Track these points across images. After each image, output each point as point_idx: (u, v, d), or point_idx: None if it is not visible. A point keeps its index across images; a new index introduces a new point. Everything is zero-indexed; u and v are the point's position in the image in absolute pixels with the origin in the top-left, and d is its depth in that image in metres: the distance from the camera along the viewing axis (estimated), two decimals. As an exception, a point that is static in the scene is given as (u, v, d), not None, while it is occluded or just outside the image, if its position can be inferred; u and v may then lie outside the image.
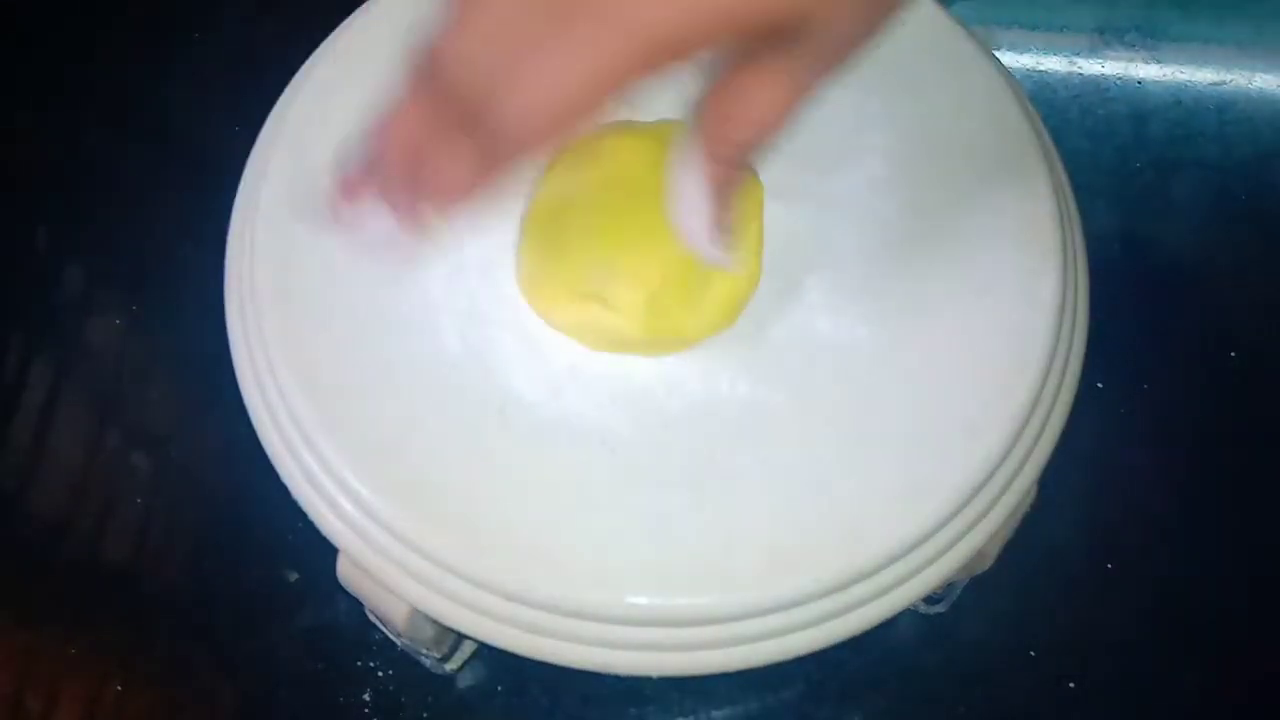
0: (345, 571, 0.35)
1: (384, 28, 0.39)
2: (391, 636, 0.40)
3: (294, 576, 0.44)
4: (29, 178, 0.53)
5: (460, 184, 0.27)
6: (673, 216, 0.28)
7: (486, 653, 0.42)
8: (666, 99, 0.37)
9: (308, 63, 0.40)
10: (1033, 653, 0.43)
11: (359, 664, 0.42)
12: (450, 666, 0.41)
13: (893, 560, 0.32)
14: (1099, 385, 0.45)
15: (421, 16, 0.39)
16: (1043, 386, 0.34)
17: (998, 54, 0.40)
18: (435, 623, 0.35)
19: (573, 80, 0.25)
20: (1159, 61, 0.56)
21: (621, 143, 0.35)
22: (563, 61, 0.25)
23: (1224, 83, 0.56)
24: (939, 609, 0.43)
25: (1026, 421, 0.33)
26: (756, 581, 0.31)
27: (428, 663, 0.41)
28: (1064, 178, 0.38)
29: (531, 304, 0.35)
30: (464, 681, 0.42)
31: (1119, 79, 0.56)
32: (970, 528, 0.33)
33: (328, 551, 0.34)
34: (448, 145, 0.27)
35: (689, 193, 0.27)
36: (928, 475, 0.32)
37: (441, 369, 0.34)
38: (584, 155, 0.35)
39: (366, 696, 0.42)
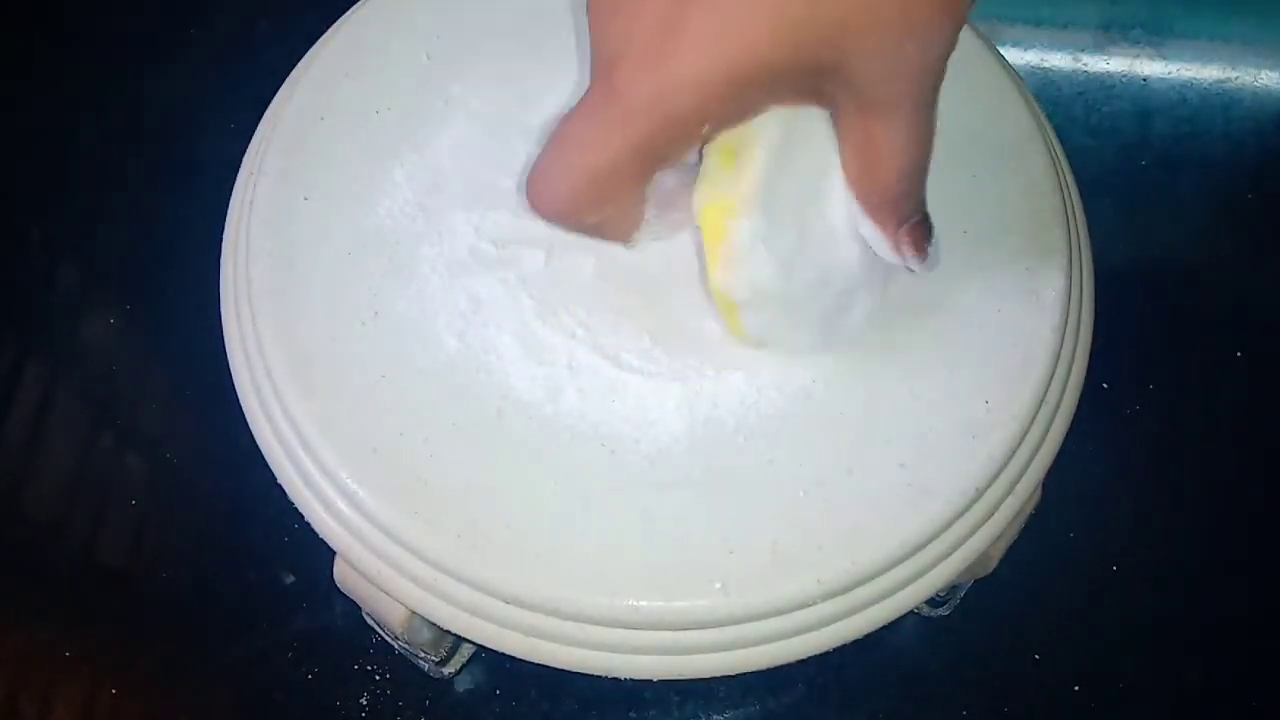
0: (342, 574, 0.35)
1: (379, 26, 0.39)
2: (389, 639, 0.40)
3: (290, 579, 0.44)
4: (23, 176, 0.53)
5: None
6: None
7: (485, 656, 0.42)
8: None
9: (303, 61, 0.39)
10: (1037, 656, 0.43)
11: (356, 667, 0.42)
12: (448, 670, 0.41)
13: (896, 563, 0.32)
14: (1104, 385, 0.45)
15: (415, 16, 0.39)
16: (1047, 387, 0.34)
17: (1002, 50, 0.40)
18: (433, 625, 0.34)
19: (600, 156, 0.26)
20: (1164, 58, 0.56)
21: None
22: (584, 140, 0.26)
23: (1229, 80, 0.55)
24: (943, 612, 0.43)
25: (1031, 422, 0.33)
26: (758, 584, 0.31)
27: (425, 666, 0.41)
28: (1068, 175, 0.38)
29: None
30: (462, 684, 0.42)
31: (1124, 76, 0.55)
32: (974, 530, 0.33)
33: (324, 554, 0.34)
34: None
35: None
36: (931, 477, 0.32)
37: (439, 369, 0.33)
38: None
39: (364, 700, 0.42)
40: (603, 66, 0.26)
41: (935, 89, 0.26)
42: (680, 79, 0.25)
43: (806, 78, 0.26)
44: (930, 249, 0.29)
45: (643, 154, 0.26)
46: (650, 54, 0.25)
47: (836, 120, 0.28)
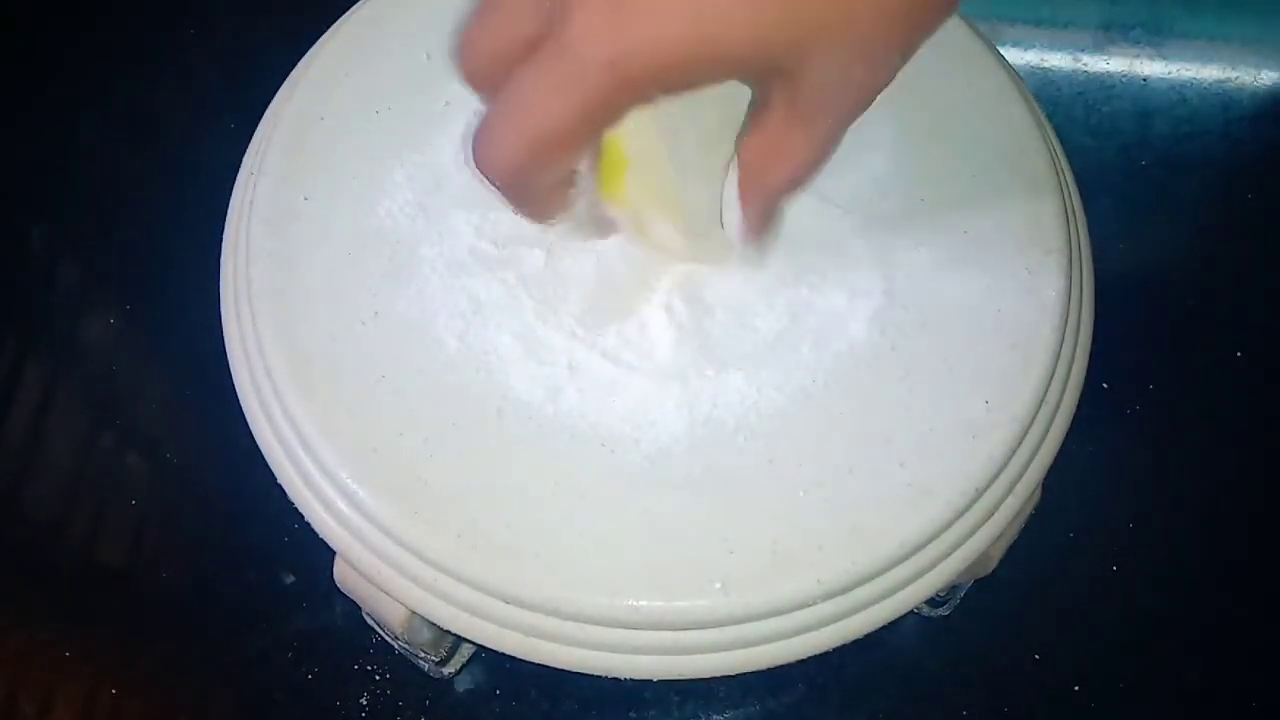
0: (342, 574, 0.35)
1: (379, 26, 0.39)
2: (389, 639, 0.40)
3: (290, 579, 0.44)
4: (24, 176, 0.52)
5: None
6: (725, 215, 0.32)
7: (485, 656, 0.41)
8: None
9: (303, 60, 0.39)
10: (1037, 656, 0.43)
11: (356, 667, 0.42)
12: (448, 670, 0.41)
13: (896, 563, 0.32)
14: (1104, 385, 0.45)
15: (415, 16, 0.39)
16: (1047, 387, 0.34)
17: (1002, 50, 0.40)
18: (433, 625, 0.34)
19: (549, 116, 0.26)
20: (1164, 58, 0.56)
21: None
22: (539, 96, 0.26)
23: (1229, 80, 0.55)
24: (943, 612, 0.43)
25: (1031, 422, 0.33)
26: (758, 584, 0.31)
27: (425, 666, 0.41)
28: (1068, 175, 0.38)
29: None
30: (462, 685, 0.42)
31: (1124, 76, 0.55)
32: (974, 530, 0.33)
33: (324, 554, 0.34)
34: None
35: (733, 201, 0.31)
36: (931, 476, 0.32)
37: (439, 370, 0.33)
38: None
39: (363, 700, 0.42)
40: (559, 10, 0.25)
41: (857, 116, 0.27)
42: (640, 46, 0.24)
43: (759, 72, 0.26)
44: (766, 240, 0.32)
45: (591, 117, 0.26)
46: (611, 6, 0.24)
47: (758, 105, 0.28)
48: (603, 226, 0.34)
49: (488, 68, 0.27)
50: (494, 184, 0.28)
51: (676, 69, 0.25)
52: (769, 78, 0.26)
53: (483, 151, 0.27)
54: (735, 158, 0.30)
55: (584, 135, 0.26)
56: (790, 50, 0.25)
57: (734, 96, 0.29)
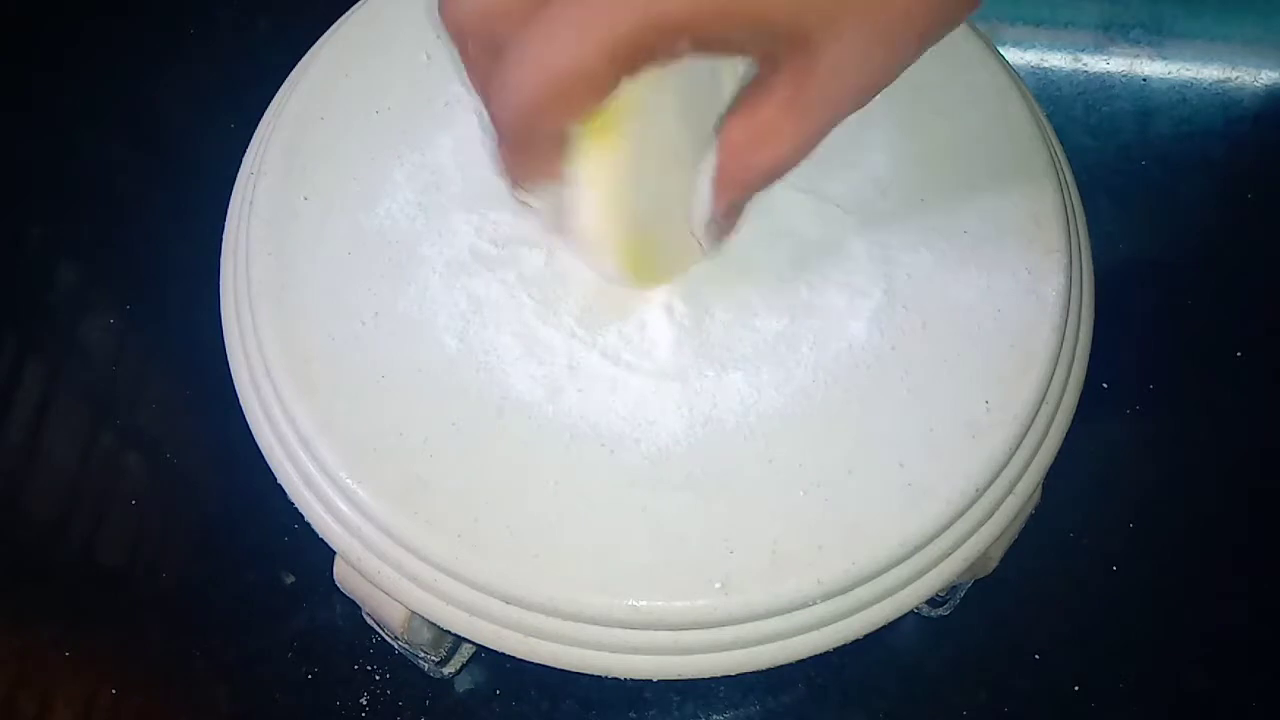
0: (342, 574, 0.35)
1: (379, 26, 0.39)
2: (389, 639, 0.40)
3: (290, 579, 0.44)
4: (23, 177, 0.52)
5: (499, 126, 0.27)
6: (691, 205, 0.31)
7: (485, 656, 0.41)
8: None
9: (303, 60, 0.39)
10: (1037, 655, 0.43)
11: (356, 667, 0.42)
12: (448, 670, 0.41)
13: (896, 562, 0.32)
14: (1104, 385, 0.45)
15: (415, 16, 0.39)
16: (1047, 386, 0.34)
17: (1002, 50, 0.40)
18: (433, 626, 0.34)
19: (575, 54, 0.25)
20: (1164, 58, 0.56)
21: None
22: (567, 32, 0.25)
23: (1229, 80, 0.55)
24: (943, 612, 0.43)
25: (1031, 422, 0.33)
26: (758, 584, 0.31)
27: (425, 666, 0.41)
28: (1068, 175, 0.38)
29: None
30: (462, 685, 0.42)
31: (1124, 76, 0.55)
32: (974, 530, 0.33)
33: (324, 554, 0.34)
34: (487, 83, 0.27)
35: (703, 192, 0.30)
36: (931, 477, 0.32)
37: (439, 369, 0.33)
38: None
39: (363, 700, 0.42)
40: None
41: (855, 108, 0.27)
42: None
43: (784, 37, 0.26)
44: (728, 236, 0.32)
45: (617, 57, 0.25)
46: None
47: (757, 84, 0.27)
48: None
49: (480, 11, 0.26)
50: (502, 126, 0.27)
51: (712, 17, 0.25)
52: (787, 49, 0.26)
53: (499, 88, 0.26)
54: (713, 144, 0.29)
55: (606, 79, 0.25)
56: (824, 18, 0.25)
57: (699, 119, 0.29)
